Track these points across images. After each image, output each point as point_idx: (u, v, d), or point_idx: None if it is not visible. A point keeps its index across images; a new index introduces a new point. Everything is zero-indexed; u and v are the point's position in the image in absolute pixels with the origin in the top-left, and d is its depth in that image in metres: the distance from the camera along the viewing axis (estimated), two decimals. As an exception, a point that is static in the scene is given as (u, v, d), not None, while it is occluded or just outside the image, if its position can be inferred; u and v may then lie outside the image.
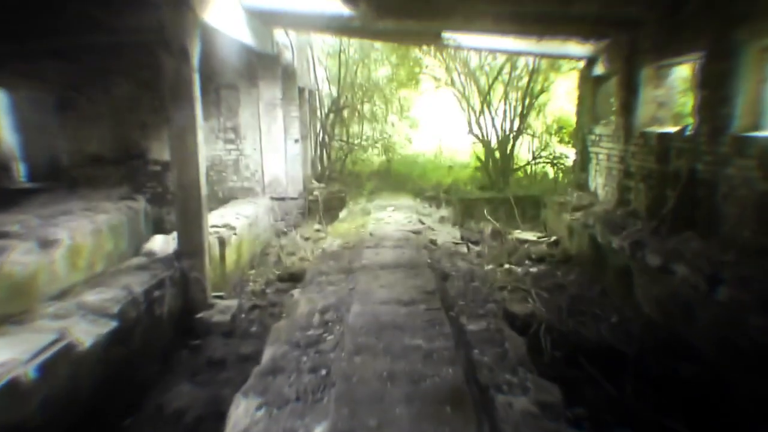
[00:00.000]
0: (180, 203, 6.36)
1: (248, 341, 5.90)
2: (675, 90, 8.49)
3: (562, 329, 5.81)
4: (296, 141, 12.19)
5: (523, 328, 5.67)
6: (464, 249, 7.25)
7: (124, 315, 4.57)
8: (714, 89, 6.19)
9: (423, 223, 8.79)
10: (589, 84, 10.75)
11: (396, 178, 13.89)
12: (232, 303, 6.73)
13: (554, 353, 5.40)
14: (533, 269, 8.82)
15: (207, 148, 11.87)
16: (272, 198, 12.05)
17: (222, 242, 7.91)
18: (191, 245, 6.36)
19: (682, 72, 8.64)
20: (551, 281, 8.07)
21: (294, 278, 8.57)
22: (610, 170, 9.46)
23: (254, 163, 12.03)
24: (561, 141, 13.86)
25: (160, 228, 11.38)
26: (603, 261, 7.77)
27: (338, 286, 5.16)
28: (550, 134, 14.13)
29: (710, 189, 6.25)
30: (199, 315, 6.16)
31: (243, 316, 6.74)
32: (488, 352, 3.71)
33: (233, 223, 8.98)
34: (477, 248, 9.75)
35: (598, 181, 10.16)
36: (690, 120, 7.11)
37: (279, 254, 9.98)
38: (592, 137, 10.46)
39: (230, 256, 8.31)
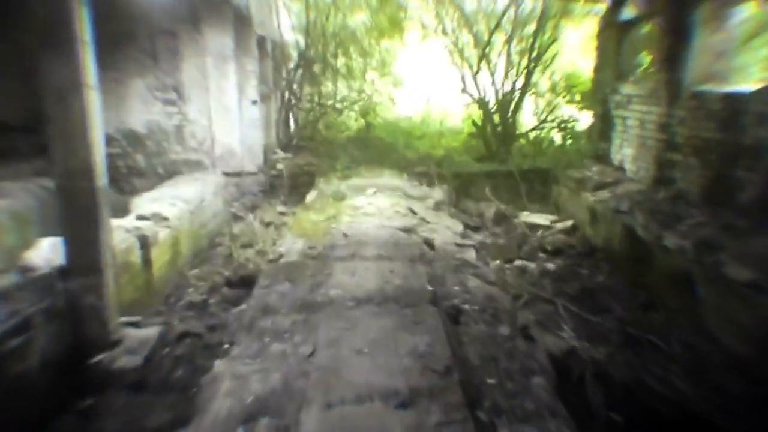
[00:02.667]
0: (66, 198, 4.63)
1: (165, 398, 4.29)
2: (737, 36, 6.86)
3: (616, 376, 4.26)
4: (254, 102, 10.43)
5: (561, 374, 4.12)
6: (471, 253, 5.61)
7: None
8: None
9: (414, 213, 7.14)
10: (614, 31, 9.09)
11: (377, 147, 12.16)
12: (151, 332, 5.08)
13: (611, 416, 3.86)
14: (550, 265, 7.31)
15: (143, 112, 10.17)
16: (225, 173, 10.32)
17: (145, 242, 6.21)
18: (84, 258, 4.67)
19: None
20: (577, 285, 6.56)
21: (246, 282, 6.94)
22: (643, 140, 7.87)
23: (202, 130, 10.26)
24: (570, 101, 12.21)
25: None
26: (646, 260, 6.25)
27: (289, 343, 3.52)
28: (557, 94, 12.45)
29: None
30: (97, 358, 4.51)
31: (167, 350, 5.09)
32: None
33: (166, 212, 7.26)
34: (478, 237, 8.18)
35: (626, 153, 8.58)
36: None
37: (231, 248, 8.31)
38: (618, 98, 8.84)
39: (160, 257, 6.63)
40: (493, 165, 10.79)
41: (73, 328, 4.52)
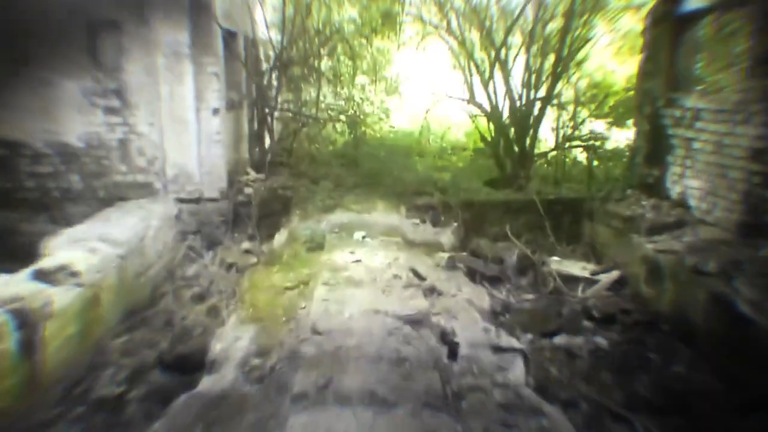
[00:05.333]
0: None
1: None
2: None
3: None
4: (215, 112, 8.59)
5: None
6: (519, 366, 3.65)
7: None
8: None
9: (420, 277, 5.26)
10: (669, 28, 7.35)
11: (368, 166, 10.29)
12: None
13: None
14: (602, 342, 5.52)
15: (79, 122, 8.44)
16: (179, 200, 8.48)
17: (26, 320, 4.34)
18: None
19: None
20: (650, 380, 4.74)
21: (184, 364, 5.08)
22: (722, 169, 6.09)
23: (152, 146, 8.49)
24: (599, 116, 10.44)
25: (9, 244, 7.68)
26: (758, 350, 4.41)
27: None
28: (584, 106, 10.68)
29: None
30: None
31: None
32: None
33: (80, 263, 5.43)
34: (500, 295, 6.35)
35: (690, 185, 6.79)
36: None
37: (174, 305, 6.42)
38: (677, 113, 7.08)
39: (58, 334, 4.81)
40: (509, 193, 8.95)
41: None
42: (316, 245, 5.96)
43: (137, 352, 5.55)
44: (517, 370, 3.46)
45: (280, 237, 6.93)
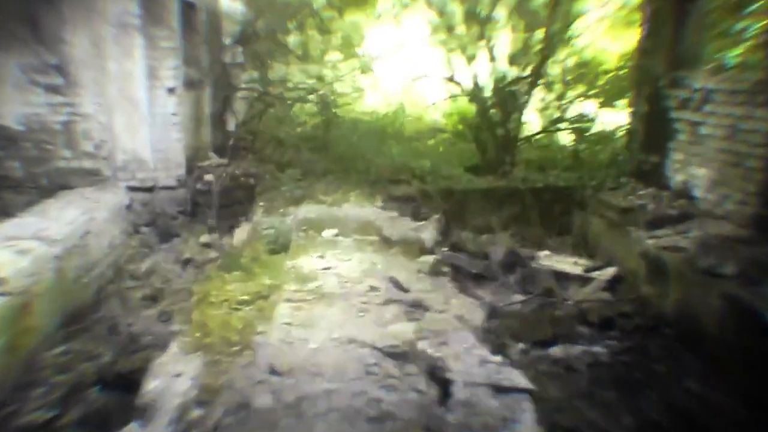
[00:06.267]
0: None
1: None
2: None
3: None
4: (171, 91, 7.86)
5: None
6: (528, 415, 2.97)
7: None
8: None
9: (402, 288, 4.61)
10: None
11: (339, 151, 9.61)
12: None
13: None
14: (601, 351, 5.02)
15: (17, 102, 7.69)
16: (130, 188, 7.77)
17: None
18: None
19: None
20: (659, 399, 4.23)
21: (128, 383, 4.40)
22: (736, 157, 5.60)
23: (99, 129, 7.81)
24: (588, 96, 9.89)
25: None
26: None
27: None
28: (570, 86, 10.11)
29: None
30: None
31: None
32: None
33: (5, 268, 4.76)
34: (487, 296, 5.79)
35: (696, 173, 6.30)
36: None
37: (120, 310, 5.75)
38: (682, 94, 6.53)
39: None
40: (493, 180, 8.36)
41: None
42: (280, 246, 5.30)
43: (74, 367, 4.86)
44: (526, 420, 2.84)
45: (241, 233, 6.25)
